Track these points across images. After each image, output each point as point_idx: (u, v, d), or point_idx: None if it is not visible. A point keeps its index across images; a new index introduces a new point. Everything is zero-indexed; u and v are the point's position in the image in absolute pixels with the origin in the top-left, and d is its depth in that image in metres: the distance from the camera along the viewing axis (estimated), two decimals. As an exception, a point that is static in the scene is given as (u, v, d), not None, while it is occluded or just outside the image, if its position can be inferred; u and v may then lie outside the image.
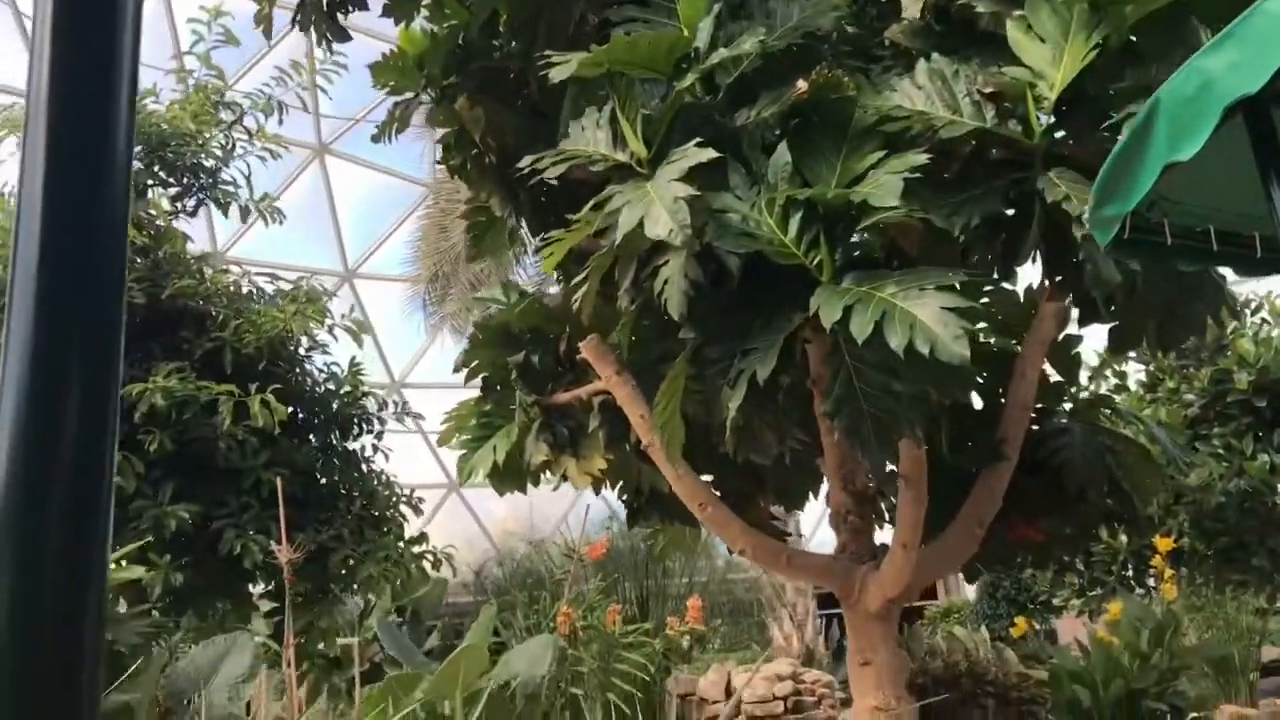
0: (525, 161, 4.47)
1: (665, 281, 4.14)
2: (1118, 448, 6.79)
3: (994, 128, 4.02)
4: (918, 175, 4.34)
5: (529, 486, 6.67)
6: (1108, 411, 6.99)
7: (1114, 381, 11.34)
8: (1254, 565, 9.19)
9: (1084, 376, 7.38)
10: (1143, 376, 11.02)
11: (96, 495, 1.15)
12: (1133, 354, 11.21)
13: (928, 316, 3.53)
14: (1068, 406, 6.89)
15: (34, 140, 1.20)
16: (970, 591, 25.88)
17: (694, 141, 3.90)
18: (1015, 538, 6.58)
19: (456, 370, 6.18)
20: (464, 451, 6.06)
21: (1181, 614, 9.32)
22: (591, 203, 4.08)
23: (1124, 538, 9.87)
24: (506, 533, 22.06)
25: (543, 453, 5.99)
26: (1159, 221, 3.75)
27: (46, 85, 1.22)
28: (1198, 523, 9.27)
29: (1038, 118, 4.02)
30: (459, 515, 24.86)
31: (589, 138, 4.40)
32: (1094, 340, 7.44)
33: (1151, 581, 11.74)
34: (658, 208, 3.78)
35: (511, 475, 6.15)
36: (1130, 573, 10.07)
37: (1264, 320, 10.56)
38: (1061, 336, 6.62)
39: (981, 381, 6.80)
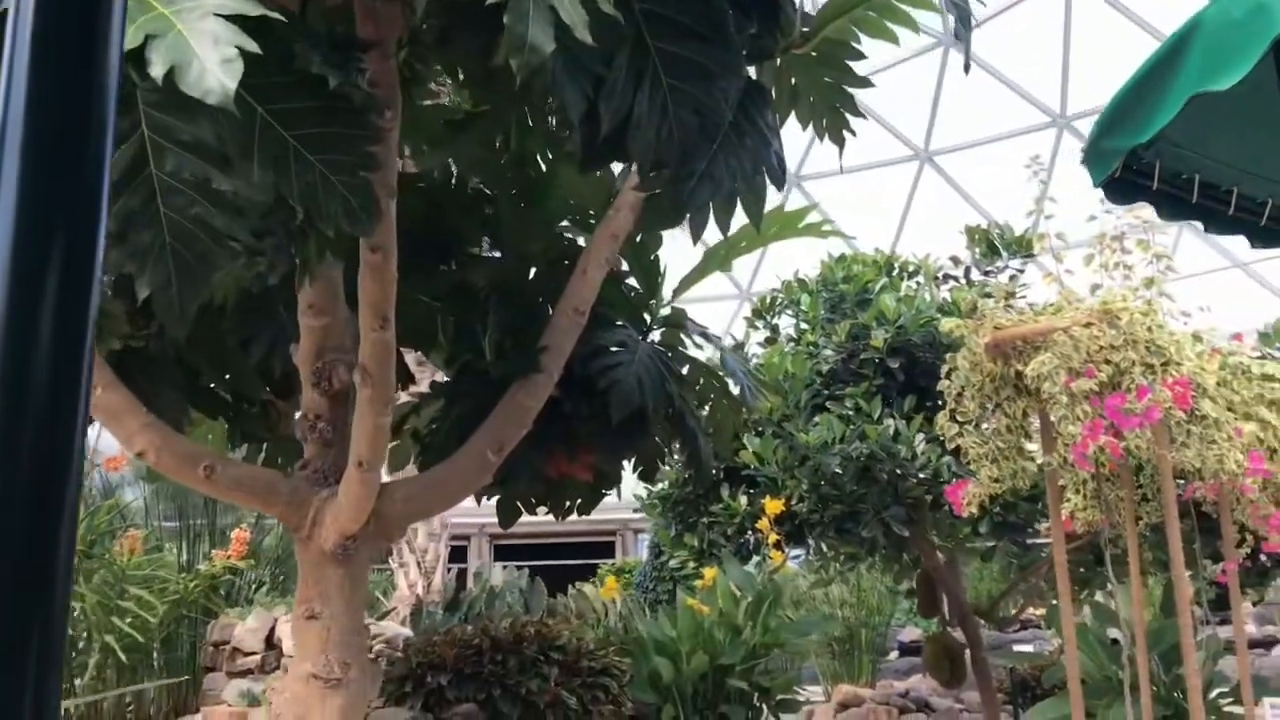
0: None
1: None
2: (694, 378, 5.67)
3: None
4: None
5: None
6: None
7: (765, 334, 10.50)
8: (865, 536, 8.45)
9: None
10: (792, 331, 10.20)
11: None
12: (789, 304, 10.38)
13: (194, 28, 2.04)
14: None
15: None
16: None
17: None
18: (558, 473, 5.32)
19: None
20: None
21: (790, 585, 8.46)
22: None
23: (744, 498, 8.95)
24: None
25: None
26: (1151, 164, 3.68)
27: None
28: (815, 487, 8.44)
29: None
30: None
31: None
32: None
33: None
34: None
35: None
36: (749, 537, 9.17)
37: (918, 284, 9.92)
38: (641, 235, 5.42)
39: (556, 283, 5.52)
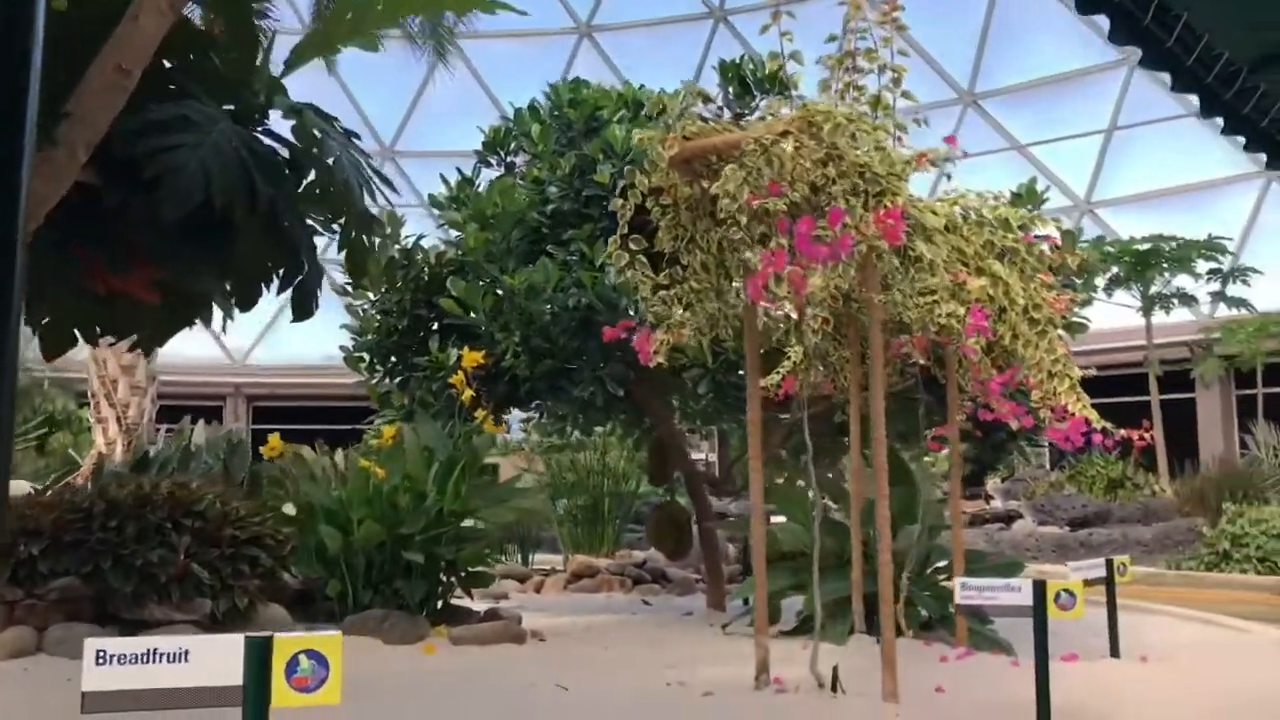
0: None
1: None
2: (324, 184, 4.50)
3: None
4: None
5: None
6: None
7: (497, 172, 9.32)
8: (576, 396, 7.56)
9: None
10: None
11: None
12: (521, 136, 9.19)
13: None
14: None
15: None
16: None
17: None
18: (106, 289, 4.11)
19: None
20: None
21: (488, 447, 7.52)
22: None
23: (454, 350, 7.91)
24: None
25: None
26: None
27: None
28: (526, 340, 7.47)
29: None
30: None
31: None
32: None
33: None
34: None
35: None
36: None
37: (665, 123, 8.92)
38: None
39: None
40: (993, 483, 19.51)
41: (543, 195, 8.07)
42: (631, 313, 7.49)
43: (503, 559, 12.41)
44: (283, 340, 28.60)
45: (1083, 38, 24.34)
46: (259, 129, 4.44)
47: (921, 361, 6.06)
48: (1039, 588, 4.47)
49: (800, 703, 4.68)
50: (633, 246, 4.88)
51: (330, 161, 4.05)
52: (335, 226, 4.76)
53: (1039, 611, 4.45)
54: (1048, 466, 21.73)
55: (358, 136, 4.66)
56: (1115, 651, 6.39)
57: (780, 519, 8.48)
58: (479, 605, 7.94)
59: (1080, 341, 16.94)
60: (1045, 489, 18.47)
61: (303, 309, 4.24)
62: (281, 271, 4.23)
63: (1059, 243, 6.27)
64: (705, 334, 5.49)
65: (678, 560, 10.10)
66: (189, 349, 26.76)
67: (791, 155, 4.34)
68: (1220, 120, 4.38)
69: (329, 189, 4.55)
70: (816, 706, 4.60)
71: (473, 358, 7.08)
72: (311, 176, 4.56)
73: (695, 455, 17.76)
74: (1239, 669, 6.14)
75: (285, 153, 4.53)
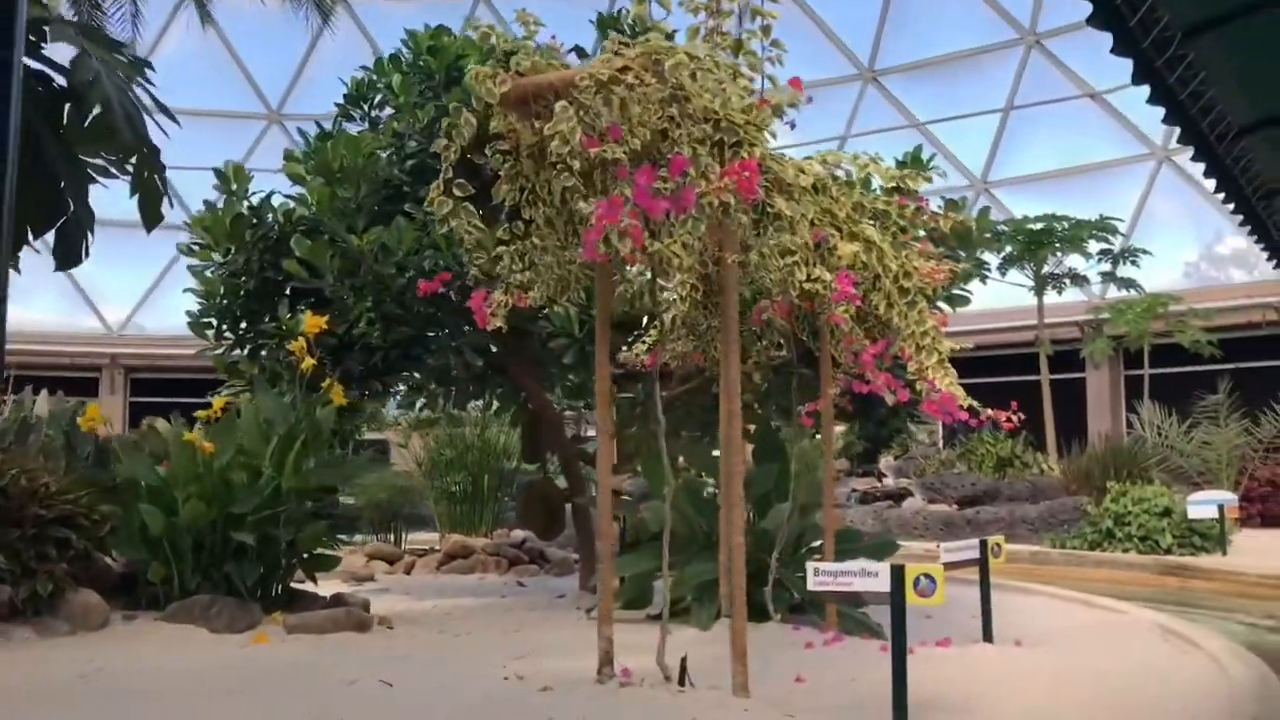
0: None
1: None
2: (106, 120, 3.93)
3: None
4: None
5: None
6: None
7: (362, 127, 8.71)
8: (433, 367, 7.07)
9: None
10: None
11: None
12: (383, 88, 8.60)
13: None
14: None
15: None
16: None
17: None
18: None
19: None
20: None
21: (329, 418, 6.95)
22: None
23: (303, 315, 7.32)
24: None
25: None
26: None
27: None
28: (379, 304, 6.94)
29: None
30: None
31: None
32: None
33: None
34: None
35: None
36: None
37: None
38: None
39: None
40: (885, 460, 19.47)
41: (402, 150, 7.52)
42: (493, 280, 7.02)
43: (368, 540, 11.88)
44: (165, 308, 27.30)
45: (982, 16, 24.39)
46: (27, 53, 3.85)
47: (787, 329, 5.70)
48: (897, 573, 4.14)
49: (642, 698, 4.28)
50: (457, 193, 4.41)
51: (89, 81, 3.49)
52: (129, 167, 4.19)
53: (897, 598, 4.13)
54: (940, 444, 21.78)
55: (150, 66, 4.09)
56: (988, 636, 6.15)
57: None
58: (330, 589, 7.42)
59: (973, 320, 16.80)
60: (936, 467, 18.45)
61: (67, 256, 3.69)
62: (44, 213, 3.67)
63: (928, 204, 5.96)
64: (555, 297, 5.05)
65: (549, 540, 9.67)
66: (58, 316, 25.44)
67: (639, 98, 3.90)
68: (1147, 89, 4.14)
69: (109, 121, 3.99)
70: (657, 702, 4.20)
71: (314, 322, 6.53)
72: (97, 111, 4.00)
73: (591, 431, 17.33)
74: (1111, 653, 5.95)
75: (62, 81, 3.95)
